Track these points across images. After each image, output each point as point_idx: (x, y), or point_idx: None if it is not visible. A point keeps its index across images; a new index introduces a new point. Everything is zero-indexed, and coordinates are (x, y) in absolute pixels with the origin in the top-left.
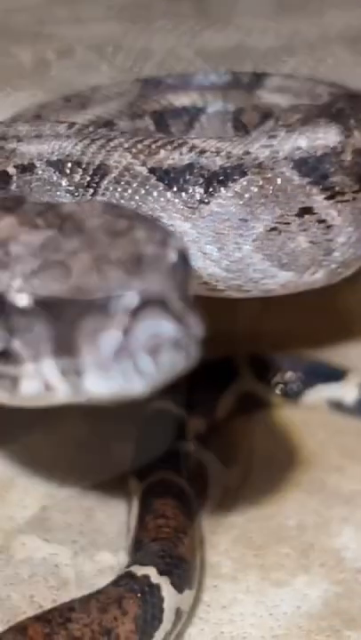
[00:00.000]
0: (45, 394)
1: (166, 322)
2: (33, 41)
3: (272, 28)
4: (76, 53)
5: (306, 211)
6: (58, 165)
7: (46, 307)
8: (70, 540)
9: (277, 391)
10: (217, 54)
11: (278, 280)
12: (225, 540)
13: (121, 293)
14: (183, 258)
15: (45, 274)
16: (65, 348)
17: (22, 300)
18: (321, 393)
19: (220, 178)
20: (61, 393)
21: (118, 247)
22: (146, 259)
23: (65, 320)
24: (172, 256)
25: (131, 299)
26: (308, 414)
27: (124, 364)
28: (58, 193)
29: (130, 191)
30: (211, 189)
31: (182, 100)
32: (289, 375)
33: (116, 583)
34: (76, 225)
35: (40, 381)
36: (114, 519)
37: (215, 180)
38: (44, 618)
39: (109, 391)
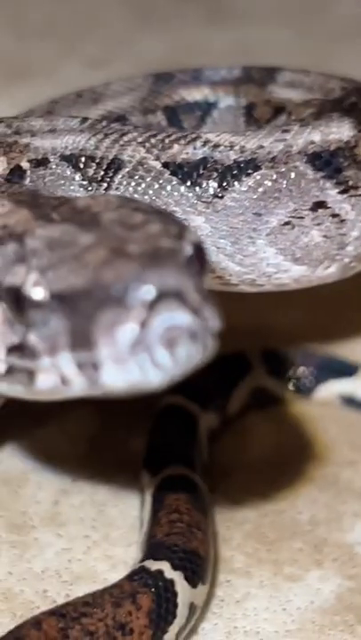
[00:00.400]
0: (61, 387)
1: (183, 314)
2: None
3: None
4: None
5: (319, 205)
6: (71, 160)
7: (63, 300)
8: (83, 535)
9: (290, 386)
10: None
11: (292, 274)
12: (238, 534)
13: (137, 286)
14: (199, 251)
15: (62, 267)
16: (81, 341)
17: (39, 293)
18: (333, 388)
19: (234, 172)
20: (77, 386)
21: (134, 241)
22: (162, 252)
23: (81, 313)
24: (188, 249)
25: (147, 292)
26: (320, 409)
27: (141, 358)
28: (71, 187)
29: (143, 185)
30: (224, 184)
31: (194, 95)
32: (301, 370)
33: (130, 578)
34: (92, 219)
35: (56, 375)
36: (127, 514)
37: (229, 175)
38: (58, 612)
39: (126, 384)
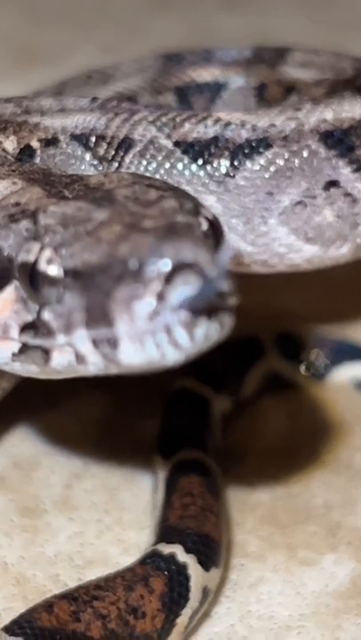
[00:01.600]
0: (76, 365)
1: (200, 288)
2: None
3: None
4: None
5: (332, 184)
6: (82, 139)
7: (77, 277)
8: (95, 519)
9: (304, 369)
10: None
11: (304, 254)
12: (252, 518)
13: (154, 259)
14: (215, 227)
15: (76, 244)
16: (97, 317)
17: (53, 270)
18: (347, 371)
19: (246, 151)
20: (93, 364)
21: (149, 216)
22: (178, 226)
23: (97, 289)
24: (204, 224)
25: (164, 265)
26: (334, 393)
27: (160, 338)
28: (82, 167)
29: (154, 164)
30: (236, 162)
31: (204, 76)
32: (315, 353)
33: (142, 561)
34: (106, 195)
35: (71, 353)
36: (139, 498)
37: (241, 153)
38: (70, 595)
39: (142, 362)
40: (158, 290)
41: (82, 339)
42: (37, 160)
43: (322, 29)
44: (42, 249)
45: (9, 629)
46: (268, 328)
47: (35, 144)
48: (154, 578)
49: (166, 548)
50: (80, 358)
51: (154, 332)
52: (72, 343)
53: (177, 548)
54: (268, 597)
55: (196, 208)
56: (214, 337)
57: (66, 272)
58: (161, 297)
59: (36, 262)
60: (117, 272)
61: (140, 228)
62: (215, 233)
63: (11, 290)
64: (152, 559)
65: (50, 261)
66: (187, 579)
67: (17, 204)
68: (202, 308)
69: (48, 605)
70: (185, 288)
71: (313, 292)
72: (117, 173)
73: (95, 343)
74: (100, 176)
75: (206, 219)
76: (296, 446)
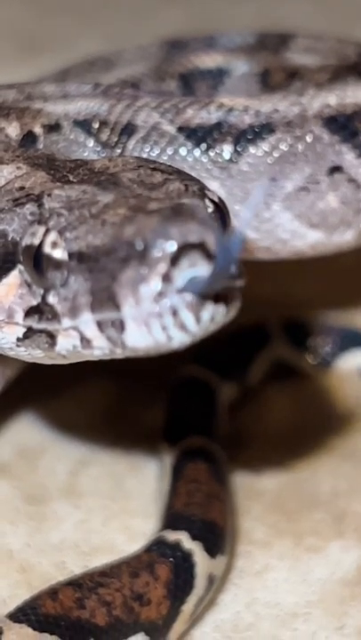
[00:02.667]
0: (82, 349)
1: (206, 268)
2: None
3: None
4: None
5: (336, 169)
6: (85, 125)
7: (82, 260)
8: (101, 507)
9: (310, 357)
10: None
11: (307, 241)
12: (258, 505)
13: (159, 240)
14: (220, 208)
15: (81, 227)
16: (103, 301)
17: (57, 253)
18: (353, 359)
19: (249, 136)
20: (98, 347)
21: (155, 199)
22: (183, 209)
23: (102, 272)
24: (210, 207)
25: (169, 246)
26: (340, 380)
27: (166, 320)
28: (85, 153)
29: (157, 150)
30: (239, 148)
31: (207, 62)
32: (322, 341)
33: (147, 548)
34: (111, 179)
35: (77, 337)
36: (145, 485)
37: (244, 139)
38: (74, 582)
39: (149, 344)
40: (164, 271)
41: (87, 322)
42: (40, 146)
43: (327, 17)
44: (46, 232)
45: (13, 616)
46: (274, 315)
47: (37, 130)
48: (159, 565)
49: (172, 535)
50: (85, 342)
51: (160, 315)
52: (77, 327)
53: (183, 534)
54: (274, 584)
55: (202, 190)
56: (221, 319)
57: (71, 255)
58: (167, 278)
59: (40, 246)
60: (123, 254)
61: (146, 211)
62: (221, 215)
63: (15, 274)
64: (157, 546)
65: (55, 245)
66: (192, 566)
67: (21, 189)
68: (208, 289)
69: (52, 592)
70: (191, 269)
71: (320, 279)
72: (122, 157)
73: (101, 326)
74: (105, 160)
75: (212, 201)
76: (302, 433)
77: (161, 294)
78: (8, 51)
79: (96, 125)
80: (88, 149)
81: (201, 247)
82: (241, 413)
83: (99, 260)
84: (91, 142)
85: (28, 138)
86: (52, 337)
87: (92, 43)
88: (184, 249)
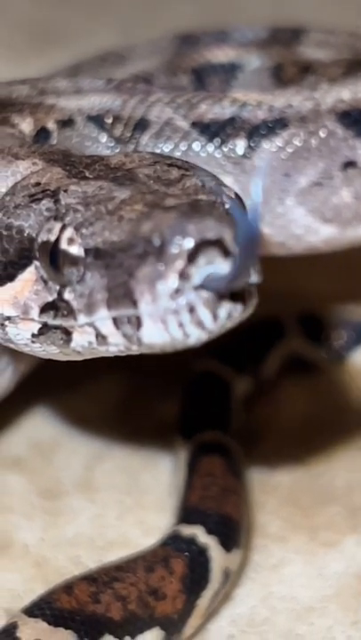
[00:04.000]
0: (97, 346)
1: (223, 264)
2: None
3: None
4: None
5: (349, 164)
6: (98, 120)
7: (99, 256)
8: (116, 501)
9: (325, 351)
10: None
11: (321, 236)
12: (273, 499)
13: (177, 237)
14: (237, 205)
15: (97, 223)
16: (119, 297)
17: (74, 249)
18: None
19: (263, 132)
20: (114, 344)
21: (171, 195)
22: (200, 205)
23: (119, 269)
24: (227, 203)
25: (187, 242)
26: (355, 374)
27: (183, 317)
28: (98, 148)
29: (171, 146)
30: (253, 143)
31: (220, 57)
32: (337, 335)
33: (163, 542)
34: (127, 175)
35: (92, 333)
36: (160, 479)
37: (257, 134)
38: (90, 577)
39: (165, 341)
40: (181, 268)
41: (103, 319)
42: (53, 142)
43: (340, 11)
44: (63, 228)
45: (28, 611)
46: (289, 309)
47: (51, 126)
48: (174, 559)
49: (187, 529)
50: (101, 338)
51: (177, 312)
52: (93, 323)
53: (198, 528)
54: (289, 579)
55: (219, 186)
56: (237, 316)
57: (87, 251)
58: (184, 275)
59: (56, 242)
60: (139, 251)
61: (163, 207)
62: (237, 210)
63: (31, 270)
64: (173, 540)
65: (71, 241)
66: (208, 560)
67: (37, 184)
68: (225, 286)
69: (67, 587)
70: (209, 266)
71: (335, 273)
72: (138, 153)
73: (117, 323)
74: (121, 156)
75: (229, 197)
76: (317, 427)
77: (178, 291)
78: (21, 43)
79: (109, 121)
80: (101, 145)
81: (218, 244)
82: (256, 407)
83: (115, 257)
84: (104, 137)
85: (42, 134)
86: (67, 333)
87: (104, 36)
88: (201, 246)
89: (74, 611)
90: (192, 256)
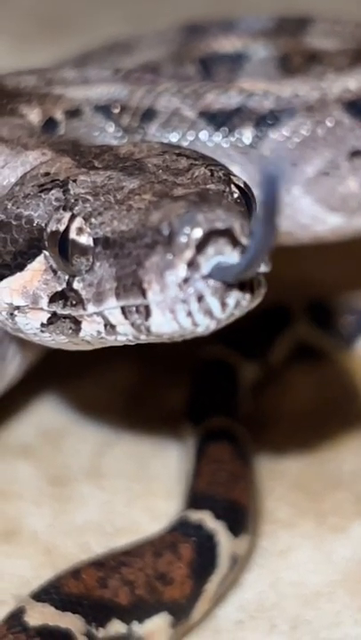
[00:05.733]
0: (106, 335)
1: (232, 254)
2: None
3: None
4: None
5: (356, 154)
6: (105, 111)
7: (108, 246)
8: (125, 487)
9: (333, 337)
10: None
11: (328, 225)
12: (281, 485)
13: (186, 227)
14: (246, 194)
15: (106, 213)
16: (128, 287)
17: (83, 239)
18: None
19: (270, 121)
20: (123, 333)
21: (180, 184)
22: (209, 194)
23: (128, 258)
24: (236, 192)
25: (196, 232)
26: None
27: (191, 306)
28: (105, 138)
29: (178, 136)
30: (260, 133)
31: (226, 46)
32: (344, 322)
33: (171, 528)
34: (136, 165)
35: (101, 323)
36: (168, 466)
37: (264, 124)
38: (97, 562)
39: (174, 330)
40: (190, 258)
41: (112, 308)
42: (61, 132)
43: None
44: (72, 218)
45: (36, 595)
46: (297, 296)
47: (59, 116)
48: (182, 544)
49: (195, 515)
50: (110, 328)
51: (185, 301)
52: (102, 313)
53: (206, 514)
54: (297, 564)
55: (228, 176)
56: (246, 306)
57: (96, 241)
58: (193, 265)
59: (66, 231)
60: (148, 240)
61: (172, 196)
62: (247, 201)
63: (40, 260)
64: (181, 525)
65: (80, 230)
66: (215, 545)
67: (47, 174)
68: (234, 276)
69: (75, 571)
70: (217, 256)
71: (343, 260)
72: (147, 143)
73: (125, 313)
74: (130, 146)
75: (238, 186)
76: (325, 413)
77: (187, 281)
78: (30, 33)
79: (117, 111)
80: (109, 135)
81: (228, 234)
82: (264, 394)
83: (124, 246)
84: (111, 128)
85: (50, 124)
86: (76, 323)
87: (112, 25)
88: (210, 235)
89: (81, 595)
90: (201, 246)
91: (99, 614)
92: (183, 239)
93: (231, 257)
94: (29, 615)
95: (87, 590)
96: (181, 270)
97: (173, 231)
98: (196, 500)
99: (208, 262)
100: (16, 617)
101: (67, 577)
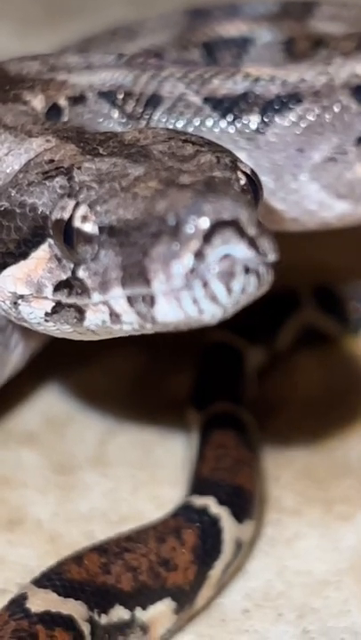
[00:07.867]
0: (111, 324)
1: (239, 244)
2: None
3: None
4: None
5: None
6: (110, 96)
7: (113, 234)
8: (129, 475)
9: (339, 323)
10: None
11: (334, 211)
12: (287, 473)
13: (192, 216)
14: (253, 181)
15: (111, 200)
16: (133, 275)
17: (88, 227)
18: None
19: (276, 107)
20: (128, 323)
21: (186, 171)
22: (216, 182)
23: (133, 247)
24: (242, 179)
25: (202, 222)
26: None
27: (197, 293)
28: (110, 125)
29: (183, 121)
30: (266, 119)
31: (231, 31)
32: (351, 307)
33: (174, 513)
34: (141, 151)
35: (106, 312)
36: (173, 453)
37: (271, 109)
38: (100, 548)
39: (180, 319)
40: (196, 248)
41: (117, 297)
42: (65, 119)
43: None
44: (77, 206)
45: (38, 582)
46: (304, 281)
47: (62, 102)
48: (186, 530)
49: (199, 500)
50: (115, 317)
51: (190, 287)
52: (107, 302)
53: (210, 499)
54: (304, 552)
55: (234, 162)
56: (252, 292)
57: (101, 229)
58: (199, 256)
59: (70, 219)
60: (154, 229)
61: (178, 184)
62: (253, 187)
63: (45, 248)
64: (184, 511)
65: (85, 218)
66: (220, 531)
67: (51, 161)
68: (241, 265)
69: (78, 557)
70: (224, 246)
71: (351, 246)
72: (152, 129)
73: (130, 301)
74: (135, 132)
75: (244, 173)
76: (332, 400)
77: (193, 271)
78: (34, 17)
79: (121, 96)
80: (113, 121)
81: (234, 224)
82: (270, 380)
83: (130, 235)
84: (116, 114)
85: (53, 110)
86: (80, 312)
87: (116, 8)
88: (217, 226)
89: (84, 581)
90: (208, 236)
91: (101, 600)
92: (190, 230)
93: (238, 247)
94: (31, 601)
95: (90, 576)
96: (188, 260)
97: (180, 221)
98: (200, 485)
99: (215, 252)
100: (18, 603)
101: (69, 563)
